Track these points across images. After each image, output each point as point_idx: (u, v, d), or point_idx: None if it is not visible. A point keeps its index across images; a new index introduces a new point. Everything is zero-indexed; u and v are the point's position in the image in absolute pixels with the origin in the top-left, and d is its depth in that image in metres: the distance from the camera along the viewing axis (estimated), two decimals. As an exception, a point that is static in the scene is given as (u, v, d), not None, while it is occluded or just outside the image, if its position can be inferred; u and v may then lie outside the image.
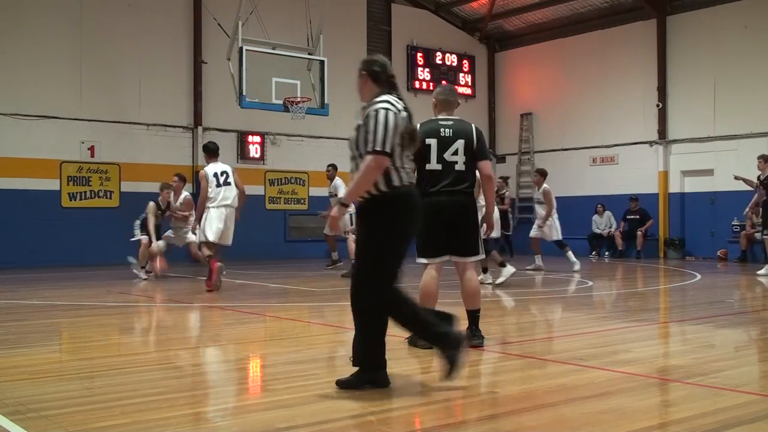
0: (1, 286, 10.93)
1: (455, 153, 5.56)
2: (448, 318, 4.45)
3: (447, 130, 5.62)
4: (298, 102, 14.43)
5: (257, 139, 18.38)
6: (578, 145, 20.60)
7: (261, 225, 18.02)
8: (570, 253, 13.91)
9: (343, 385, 4.28)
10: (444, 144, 5.57)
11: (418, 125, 5.60)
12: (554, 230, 14.09)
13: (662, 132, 19.00)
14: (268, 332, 7.05)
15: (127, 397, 4.16)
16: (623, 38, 19.77)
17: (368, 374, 4.30)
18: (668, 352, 6.07)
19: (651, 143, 19.20)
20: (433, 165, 5.54)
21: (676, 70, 18.77)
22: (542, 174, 14.15)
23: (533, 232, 14.36)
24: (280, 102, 14.36)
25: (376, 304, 4.35)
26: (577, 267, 13.58)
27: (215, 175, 10.36)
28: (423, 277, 5.69)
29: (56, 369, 4.76)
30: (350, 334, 6.89)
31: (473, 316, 5.74)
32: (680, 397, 4.22)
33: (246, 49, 13.88)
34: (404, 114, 4.33)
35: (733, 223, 17.53)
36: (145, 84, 17.04)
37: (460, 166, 5.56)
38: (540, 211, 14.13)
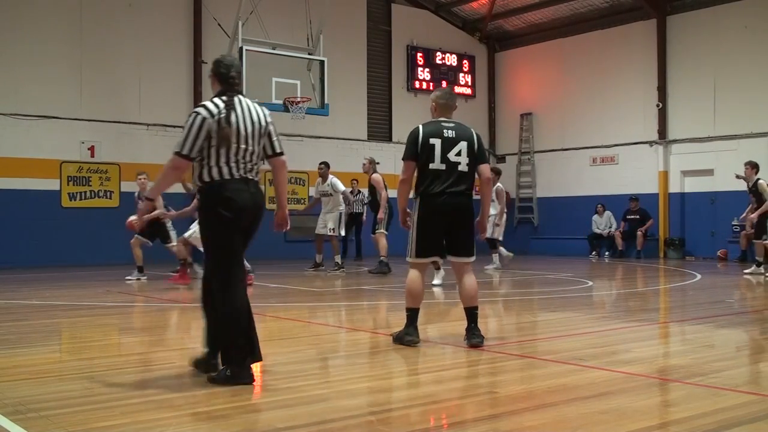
0: (1, 286, 10.93)
1: (458, 154, 5.61)
2: (253, 355, 4.51)
3: (450, 131, 5.67)
4: (298, 102, 14.43)
5: (257, 139, 18.36)
6: (578, 145, 20.61)
7: (261, 225, 18.01)
8: (496, 255, 14.04)
9: (212, 380, 4.44)
10: (448, 145, 5.61)
11: (421, 127, 5.69)
12: (496, 229, 13.89)
13: (662, 132, 19.01)
14: (268, 332, 7.04)
15: (127, 397, 4.16)
16: (623, 38, 19.77)
17: (232, 369, 4.42)
18: (668, 352, 6.07)
19: (651, 143, 19.21)
20: (437, 165, 5.59)
21: (676, 70, 18.77)
22: (497, 173, 13.83)
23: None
24: (280, 102, 14.36)
25: (216, 293, 4.56)
26: (494, 266, 13.88)
27: None
28: (410, 276, 5.76)
29: (56, 369, 4.76)
30: (350, 334, 6.90)
31: (472, 314, 5.79)
32: (680, 397, 4.22)
33: (246, 49, 13.90)
34: (220, 116, 4.54)
35: (733, 223, 17.53)
36: (145, 84, 17.04)
37: (463, 167, 5.62)
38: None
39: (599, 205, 19.49)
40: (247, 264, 4.73)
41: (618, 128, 19.78)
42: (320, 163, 13.95)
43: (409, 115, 21.14)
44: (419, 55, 21.29)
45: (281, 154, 4.83)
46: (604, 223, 19.42)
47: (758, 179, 13.25)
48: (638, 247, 18.55)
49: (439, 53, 21.67)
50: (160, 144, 17.12)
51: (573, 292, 10.33)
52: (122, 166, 16.64)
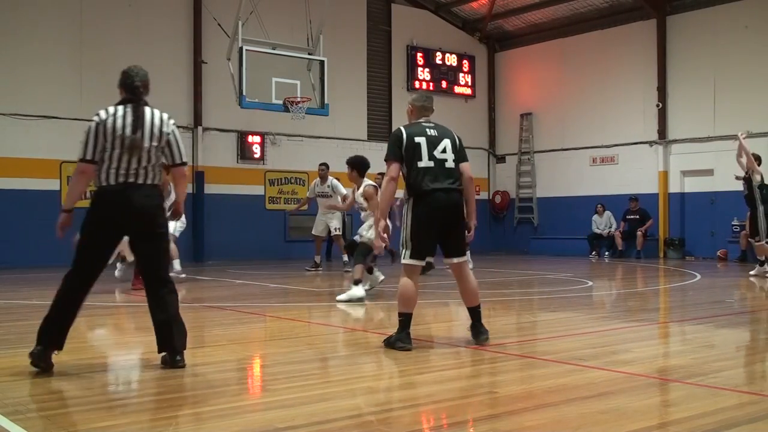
0: (1, 286, 10.93)
1: (444, 151, 5.63)
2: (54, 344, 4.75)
3: (432, 130, 5.71)
4: (298, 102, 14.43)
5: (257, 139, 18.38)
6: (578, 145, 20.60)
7: (261, 225, 18.05)
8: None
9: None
10: (432, 143, 5.62)
11: (402, 128, 5.71)
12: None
13: (662, 132, 19.01)
14: (268, 332, 7.05)
15: (127, 397, 4.16)
16: (623, 38, 19.77)
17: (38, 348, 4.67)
18: (668, 352, 6.07)
19: (651, 143, 19.21)
20: (425, 162, 5.57)
21: (676, 70, 18.77)
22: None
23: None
24: (280, 102, 14.36)
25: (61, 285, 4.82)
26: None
27: None
28: (403, 280, 5.61)
29: (56, 369, 4.76)
30: (350, 334, 6.90)
31: (476, 312, 5.79)
32: (680, 397, 4.22)
33: (246, 49, 13.89)
34: (114, 119, 4.75)
35: (733, 223, 17.53)
36: (145, 84, 17.02)
37: (450, 164, 5.64)
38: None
39: (599, 205, 19.49)
40: (177, 267, 4.94)
41: (618, 128, 19.78)
42: (321, 164, 13.93)
43: (409, 115, 21.15)
44: (419, 55, 21.29)
45: (180, 164, 5.00)
46: (604, 223, 19.42)
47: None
48: (638, 247, 18.55)
49: (439, 53, 21.67)
50: (160, 144, 17.13)
51: (573, 292, 10.33)
52: (122, 166, 16.64)
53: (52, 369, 4.73)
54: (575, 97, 20.73)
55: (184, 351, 4.85)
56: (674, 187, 18.98)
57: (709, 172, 18.11)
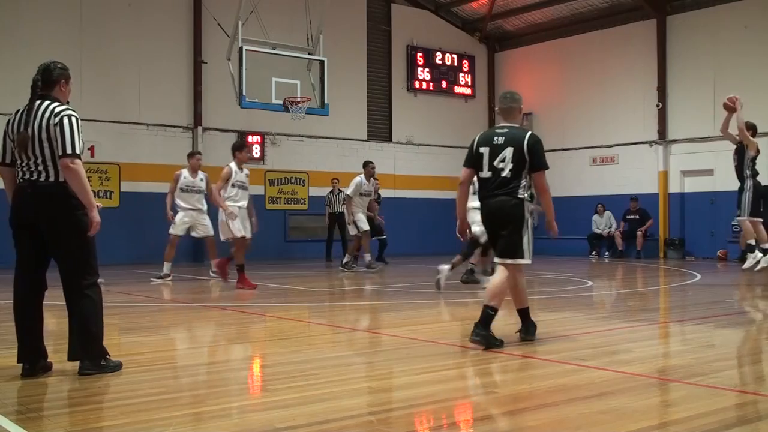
0: (1, 286, 10.92)
1: (503, 160, 5.77)
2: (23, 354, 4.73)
3: (500, 138, 5.86)
4: (298, 102, 14.43)
5: (257, 139, 18.38)
6: (578, 145, 20.60)
7: (261, 225, 18.01)
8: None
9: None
10: (494, 152, 5.81)
11: (478, 135, 6.07)
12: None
13: (662, 132, 19.01)
14: (268, 332, 7.05)
15: (127, 397, 4.16)
16: (623, 38, 19.77)
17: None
18: (668, 352, 6.07)
19: (651, 143, 19.21)
20: (485, 173, 5.85)
21: (676, 70, 18.77)
22: None
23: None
24: (280, 102, 14.36)
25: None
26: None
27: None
28: (520, 279, 6.01)
29: (56, 369, 4.76)
30: (350, 334, 6.90)
31: (484, 313, 5.75)
32: (680, 397, 4.22)
33: (246, 49, 13.89)
34: (15, 117, 4.76)
35: (733, 223, 17.51)
36: (145, 84, 17.05)
37: (506, 173, 5.77)
38: None
39: (599, 205, 19.49)
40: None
41: (618, 128, 19.78)
42: (371, 162, 13.90)
43: (409, 115, 21.16)
44: (419, 55, 21.29)
45: (63, 156, 4.57)
46: (604, 223, 19.42)
47: None
48: (638, 247, 18.55)
49: (439, 53, 21.67)
50: (160, 144, 17.14)
51: (573, 292, 10.33)
52: (122, 166, 16.64)
53: (51, 369, 4.73)
54: (575, 97, 20.73)
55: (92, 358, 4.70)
56: (674, 187, 18.98)
57: (709, 172, 18.11)
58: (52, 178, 4.63)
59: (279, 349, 5.98)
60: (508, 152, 5.74)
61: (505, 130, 5.88)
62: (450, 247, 18.59)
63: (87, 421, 3.66)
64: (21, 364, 4.65)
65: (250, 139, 18.31)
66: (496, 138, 5.84)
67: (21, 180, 4.71)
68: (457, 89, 22.08)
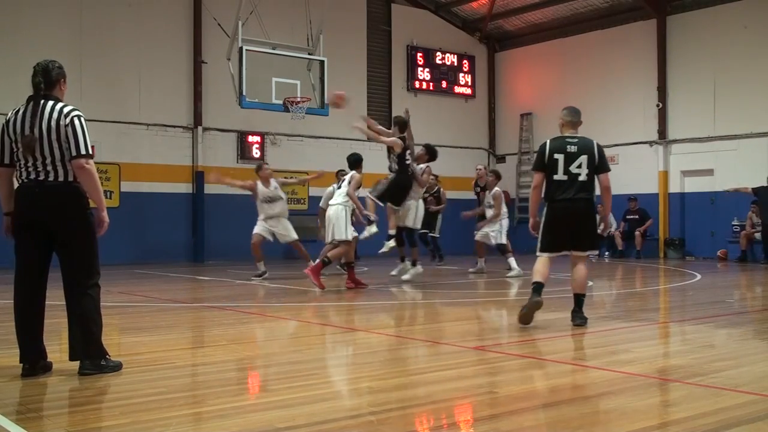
0: (1, 286, 10.92)
1: (579, 166, 6.63)
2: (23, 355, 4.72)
3: (573, 146, 6.68)
4: (298, 102, 14.43)
5: (257, 139, 18.38)
6: (578, 145, 20.58)
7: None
8: (512, 259, 13.06)
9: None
10: (570, 158, 6.64)
11: (548, 142, 6.80)
12: (499, 234, 13.21)
13: (662, 132, 19.01)
14: (268, 332, 7.05)
15: (127, 397, 4.16)
16: (623, 38, 19.77)
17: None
18: (668, 352, 6.07)
19: (651, 143, 19.21)
20: (560, 176, 6.65)
21: (676, 70, 18.77)
22: (496, 176, 13.60)
23: (478, 236, 13.48)
24: (280, 102, 14.36)
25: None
26: (515, 273, 12.63)
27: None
28: (537, 265, 7.04)
29: (56, 369, 4.76)
30: (350, 334, 6.90)
31: (579, 299, 6.89)
32: (680, 397, 4.22)
33: (246, 49, 13.89)
34: (15, 117, 4.73)
35: (733, 223, 17.53)
36: (145, 84, 17.05)
37: (582, 178, 6.66)
38: (489, 213, 13.37)
39: (599, 206, 19.43)
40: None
41: (618, 128, 19.76)
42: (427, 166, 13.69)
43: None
44: (419, 55, 21.29)
45: (77, 157, 4.64)
46: (604, 223, 19.39)
47: None
48: (637, 247, 18.54)
49: (439, 53, 21.67)
50: (160, 144, 17.14)
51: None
52: (122, 166, 16.64)
53: (51, 369, 4.73)
54: (575, 97, 20.65)
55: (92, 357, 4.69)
56: (674, 187, 18.98)
57: (709, 172, 18.11)
58: (61, 178, 4.65)
59: (279, 349, 5.98)
60: (584, 159, 6.64)
61: (576, 140, 6.73)
62: (449, 246, 18.56)
63: (87, 421, 3.66)
64: (21, 364, 4.64)
65: (250, 139, 18.33)
66: (569, 146, 6.65)
67: (26, 180, 4.67)
68: (457, 89, 22.08)
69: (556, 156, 6.64)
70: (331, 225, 10.25)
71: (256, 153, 18.36)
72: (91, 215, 4.74)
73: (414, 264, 11.58)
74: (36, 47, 15.65)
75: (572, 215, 6.73)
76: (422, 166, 12.49)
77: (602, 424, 3.56)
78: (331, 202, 10.66)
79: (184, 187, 17.37)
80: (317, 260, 10.32)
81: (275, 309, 8.43)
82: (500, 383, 4.69)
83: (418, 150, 12.33)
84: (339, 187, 11.25)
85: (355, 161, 11.11)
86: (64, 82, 4.94)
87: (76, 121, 4.69)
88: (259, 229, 11.93)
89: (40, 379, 4.58)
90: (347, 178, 10.98)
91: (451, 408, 4.03)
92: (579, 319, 6.75)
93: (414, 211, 11.68)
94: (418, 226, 12.06)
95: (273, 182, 12.17)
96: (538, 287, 6.86)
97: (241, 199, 18.06)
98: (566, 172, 6.62)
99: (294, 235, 11.98)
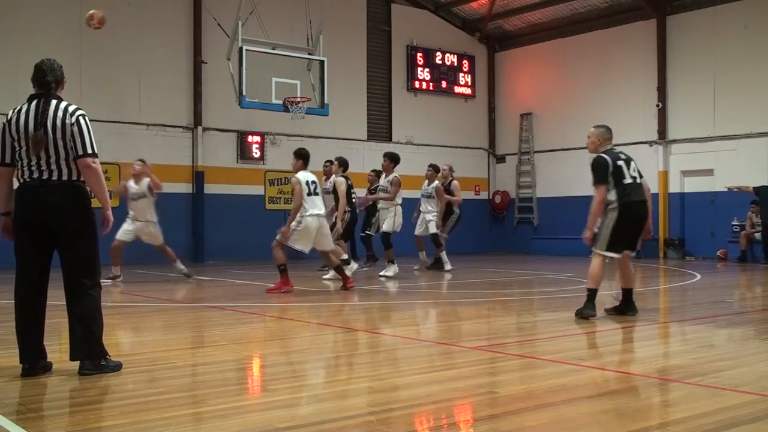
0: (1, 286, 10.92)
1: (635, 170, 7.34)
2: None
3: (622, 154, 7.40)
4: (298, 102, 14.43)
5: (257, 139, 18.38)
6: (578, 145, 20.52)
7: (261, 225, 18.02)
8: (444, 254, 13.55)
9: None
10: (628, 165, 7.30)
11: (605, 155, 7.25)
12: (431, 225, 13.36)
13: (662, 132, 19.01)
14: (268, 332, 7.05)
15: (127, 397, 4.16)
16: (623, 38, 19.77)
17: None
18: (668, 352, 6.07)
19: (651, 143, 19.21)
20: (628, 179, 7.20)
21: (676, 70, 18.77)
22: (435, 169, 13.74)
23: (417, 230, 13.69)
24: (280, 102, 14.36)
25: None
26: (448, 267, 13.40)
27: (307, 183, 10.28)
28: (596, 268, 7.26)
29: (56, 369, 4.76)
30: (350, 334, 6.90)
31: (628, 293, 7.46)
32: (680, 397, 4.22)
33: (246, 49, 13.89)
34: (19, 116, 4.69)
35: (733, 223, 17.53)
36: (145, 84, 17.05)
37: (638, 180, 7.31)
38: (428, 207, 13.50)
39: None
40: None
41: (618, 128, 19.47)
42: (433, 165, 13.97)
43: (409, 115, 21.16)
44: (419, 55, 21.29)
45: (83, 156, 4.66)
46: (603, 223, 19.40)
47: None
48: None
49: (438, 53, 21.67)
50: (160, 144, 17.13)
51: (573, 292, 10.32)
52: (122, 166, 16.62)
53: (51, 369, 4.73)
54: (575, 97, 20.72)
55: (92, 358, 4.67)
56: (674, 187, 18.98)
57: (709, 172, 18.11)
58: (65, 177, 4.65)
59: (279, 349, 5.99)
60: (634, 165, 7.39)
61: (618, 149, 7.45)
62: (450, 246, 18.59)
63: (87, 421, 3.66)
64: (21, 365, 4.64)
65: (249, 139, 18.32)
66: (620, 154, 7.35)
67: (28, 179, 4.64)
68: (457, 89, 22.08)
69: (619, 163, 7.21)
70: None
71: (256, 153, 18.36)
72: (93, 215, 4.75)
73: (391, 263, 12.31)
74: (36, 47, 15.65)
75: (643, 217, 7.31)
76: (394, 176, 12.79)
77: (602, 424, 3.56)
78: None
79: (184, 187, 17.37)
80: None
81: (275, 309, 8.43)
82: (500, 383, 4.69)
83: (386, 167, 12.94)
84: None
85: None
86: (64, 82, 4.97)
87: (82, 120, 4.72)
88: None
89: (40, 379, 4.58)
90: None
91: (451, 408, 4.03)
92: (631, 310, 7.41)
93: (392, 218, 12.64)
94: (398, 230, 12.78)
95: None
96: (594, 295, 7.26)
97: (241, 200, 18.09)
98: (630, 176, 7.21)
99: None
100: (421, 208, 13.58)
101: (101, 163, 4.73)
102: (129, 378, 4.65)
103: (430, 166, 13.92)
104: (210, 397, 4.21)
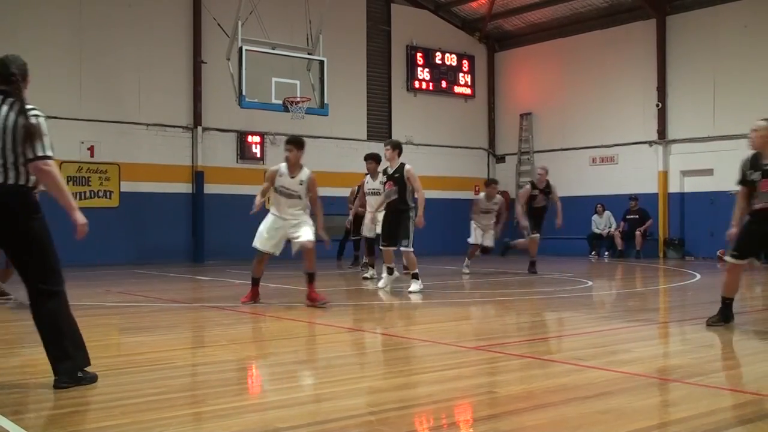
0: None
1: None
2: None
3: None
4: (298, 102, 14.43)
5: (257, 139, 18.38)
6: (578, 145, 20.60)
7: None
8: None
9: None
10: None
11: (746, 160, 7.29)
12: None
13: (662, 132, 19.01)
14: (268, 332, 7.05)
15: (127, 397, 4.15)
16: (623, 38, 19.77)
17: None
18: (668, 352, 6.07)
19: (651, 143, 19.21)
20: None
21: (676, 70, 18.77)
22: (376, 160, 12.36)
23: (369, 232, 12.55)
24: (280, 102, 14.36)
25: None
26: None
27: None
28: (734, 276, 6.98)
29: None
30: (350, 334, 6.90)
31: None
32: (680, 397, 4.22)
33: (246, 49, 13.90)
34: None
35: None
36: (145, 84, 17.04)
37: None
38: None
39: (599, 205, 19.48)
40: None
41: (618, 128, 19.77)
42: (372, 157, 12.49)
43: (409, 115, 21.16)
44: (419, 55, 21.29)
45: (33, 159, 4.30)
46: (603, 223, 19.42)
47: None
48: (637, 247, 18.55)
49: (438, 53, 21.67)
50: (159, 144, 17.14)
51: (573, 292, 10.33)
52: (122, 166, 16.63)
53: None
54: (575, 97, 20.72)
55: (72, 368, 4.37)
56: (674, 187, 18.98)
57: (708, 172, 18.11)
58: (15, 181, 4.32)
59: (279, 349, 5.98)
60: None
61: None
62: (450, 246, 18.57)
63: (87, 421, 3.66)
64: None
65: (249, 139, 18.32)
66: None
67: None
68: (457, 89, 22.08)
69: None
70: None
71: (256, 153, 18.36)
72: (42, 218, 4.40)
73: (366, 267, 12.38)
74: (36, 47, 15.67)
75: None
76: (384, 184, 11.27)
77: (602, 424, 3.56)
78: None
79: (184, 187, 17.37)
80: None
81: (275, 309, 8.43)
82: (500, 383, 4.69)
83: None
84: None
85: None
86: (29, 81, 4.71)
87: (37, 122, 4.38)
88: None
89: (40, 379, 4.58)
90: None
91: (451, 408, 4.03)
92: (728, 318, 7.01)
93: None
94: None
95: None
96: (731, 304, 6.99)
97: (241, 200, 18.08)
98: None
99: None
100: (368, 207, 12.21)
101: (102, 163, 4.63)
102: (129, 378, 4.65)
103: (370, 157, 12.45)
104: (210, 397, 4.21)
